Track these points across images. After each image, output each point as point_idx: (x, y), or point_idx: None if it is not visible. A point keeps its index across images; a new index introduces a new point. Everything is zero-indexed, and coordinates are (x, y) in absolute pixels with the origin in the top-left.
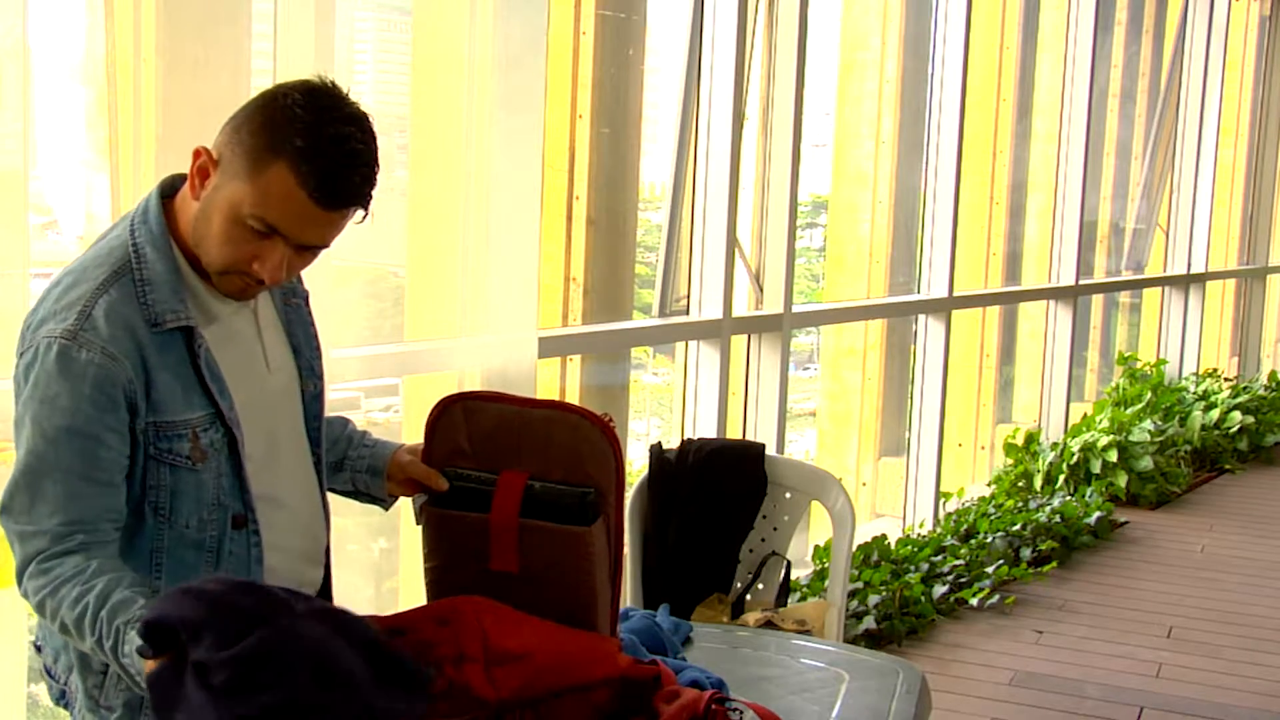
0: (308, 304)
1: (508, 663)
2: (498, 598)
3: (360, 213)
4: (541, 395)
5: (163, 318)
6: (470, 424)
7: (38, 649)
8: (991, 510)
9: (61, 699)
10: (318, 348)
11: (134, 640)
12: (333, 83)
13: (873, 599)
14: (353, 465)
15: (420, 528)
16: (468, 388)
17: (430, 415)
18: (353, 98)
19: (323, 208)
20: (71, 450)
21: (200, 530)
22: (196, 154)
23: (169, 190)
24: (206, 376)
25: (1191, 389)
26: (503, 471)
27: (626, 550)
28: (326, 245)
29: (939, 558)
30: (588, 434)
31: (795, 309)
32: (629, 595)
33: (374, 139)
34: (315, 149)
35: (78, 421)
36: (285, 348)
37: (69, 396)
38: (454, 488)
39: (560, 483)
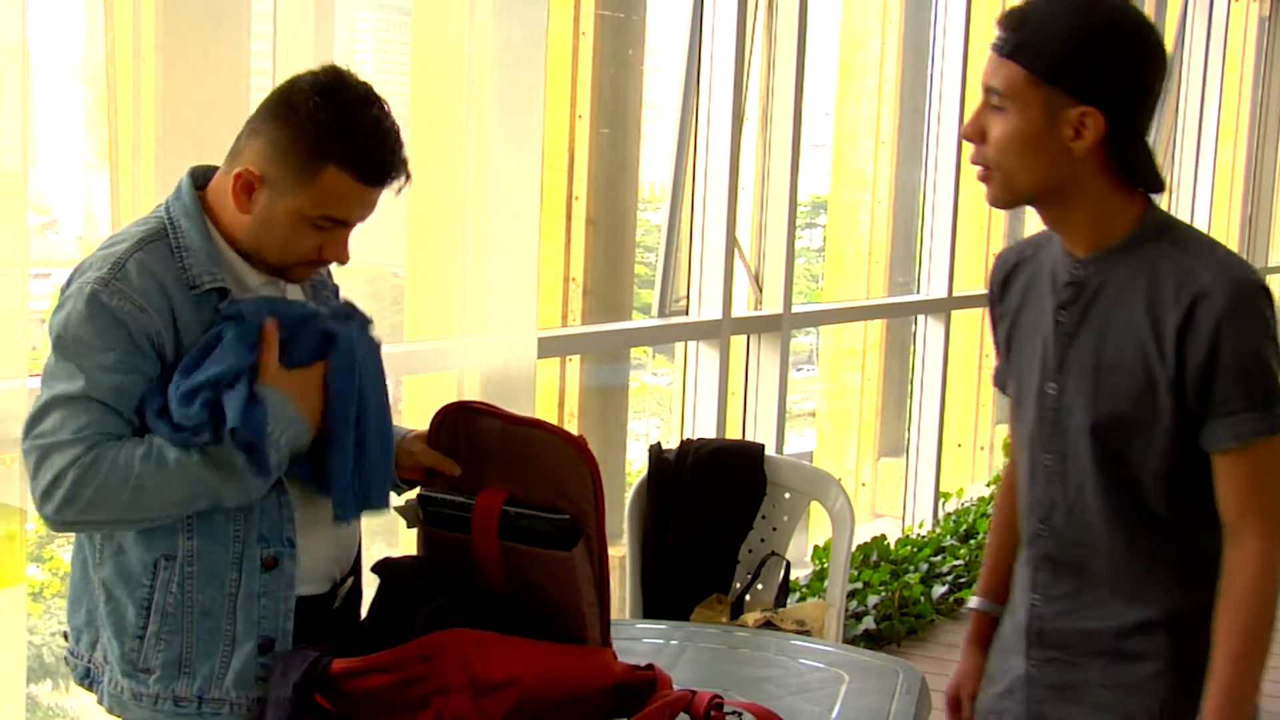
0: (338, 297)
1: (495, 691)
2: (485, 613)
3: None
4: (541, 396)
5: (200, 280)
6: (467, 432)
7: (65, 635)
8: (991, 510)
9: (86, 677)
10: None
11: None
12: (333, 67)
13: (872, 599)
14: None
15: (414, 532)
16: (467, 388)
17: (435, 418)
18: (350, 69)
19: (378, 188)
20: (102, 385)
21: None
22: (237, 176)
23: (200, 180)
24: None
25: None
26: (480, 492)
27: (625, 551)
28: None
29: (938, 558)
30: (567, 455)
31: (795, 309)
32: (628, 597)
33: (388, 106)
34: (355, 145)
35: (108, 359)
36: None
37: (99, 337)
38: (431, 512)
39: (537, 508)
